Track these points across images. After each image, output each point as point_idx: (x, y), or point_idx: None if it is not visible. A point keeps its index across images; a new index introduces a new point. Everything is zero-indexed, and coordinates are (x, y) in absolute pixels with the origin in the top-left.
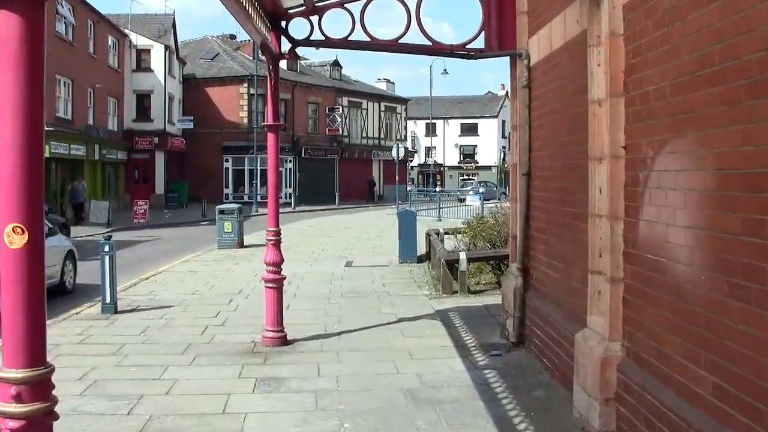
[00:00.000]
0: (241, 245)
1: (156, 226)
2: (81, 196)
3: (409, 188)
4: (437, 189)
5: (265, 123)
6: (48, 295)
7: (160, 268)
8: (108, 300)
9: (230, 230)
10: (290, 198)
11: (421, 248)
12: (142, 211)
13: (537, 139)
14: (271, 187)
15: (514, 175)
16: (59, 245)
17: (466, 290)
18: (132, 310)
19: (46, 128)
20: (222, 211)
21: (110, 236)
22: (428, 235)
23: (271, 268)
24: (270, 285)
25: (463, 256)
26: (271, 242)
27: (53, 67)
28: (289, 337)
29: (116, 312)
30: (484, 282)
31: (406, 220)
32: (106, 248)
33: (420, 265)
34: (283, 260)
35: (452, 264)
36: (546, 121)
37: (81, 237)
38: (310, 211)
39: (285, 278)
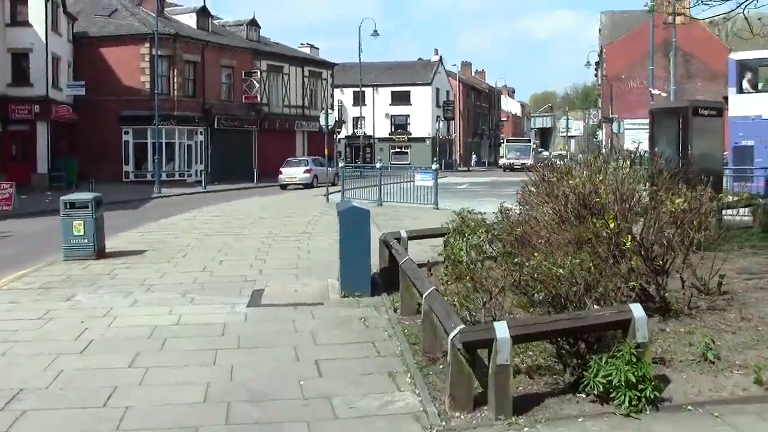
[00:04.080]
0: (101, 254)
1: (23, 215)
2: None
3: (341, 164)
4: (377, 164)
5: None
6: None
7: None
8: None
9: (82, 232)
10: (200, 176)
11: (374, 260)
12: (6, 195)
13: None
14: None
15: None
16: None
17: (509, 408)
18: None
19: None
20: (70, 204)
21: None
22: (386, 244)
23: None
24: None
25: (503, 330)
26: None
27: None
28: None
29: None
30: (528, 363)
31: (352, 224)
32: None
33: (376, 300)
34: None
35: (474, 349)
36: None
37: None
38: (223, 191)
39: None
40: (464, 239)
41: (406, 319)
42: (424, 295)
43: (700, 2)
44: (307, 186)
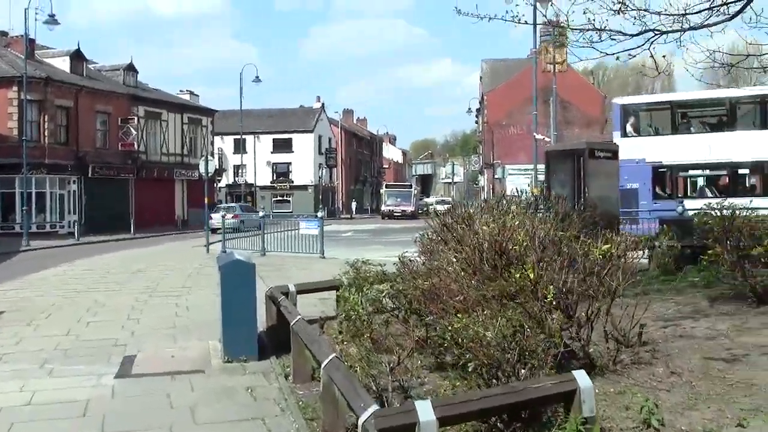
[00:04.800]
0: None
1: None
2: None
3: (221, 213)
4: (260, 213)
5: None
6: None
7: None
8: None
9: None
10: (74, 227)
11: (260, 316)
12: None
13: None
14: None
15: None
16: None
17: None
18: None
19: None
20: None
21: None
22: (273, 299)
23: None
24: None
25: (426, 412)
26: None
27: None
28: None
29: None
30: None
31: (236, 279)
32: None
33: (265, 365)
34: None
35: None
36: None
37: None
38: (98, 242)
39: None
40: (361, 293)
41: (299, 387)
42: (323, 365)
43: (609, 38)
44: (236, 230)
